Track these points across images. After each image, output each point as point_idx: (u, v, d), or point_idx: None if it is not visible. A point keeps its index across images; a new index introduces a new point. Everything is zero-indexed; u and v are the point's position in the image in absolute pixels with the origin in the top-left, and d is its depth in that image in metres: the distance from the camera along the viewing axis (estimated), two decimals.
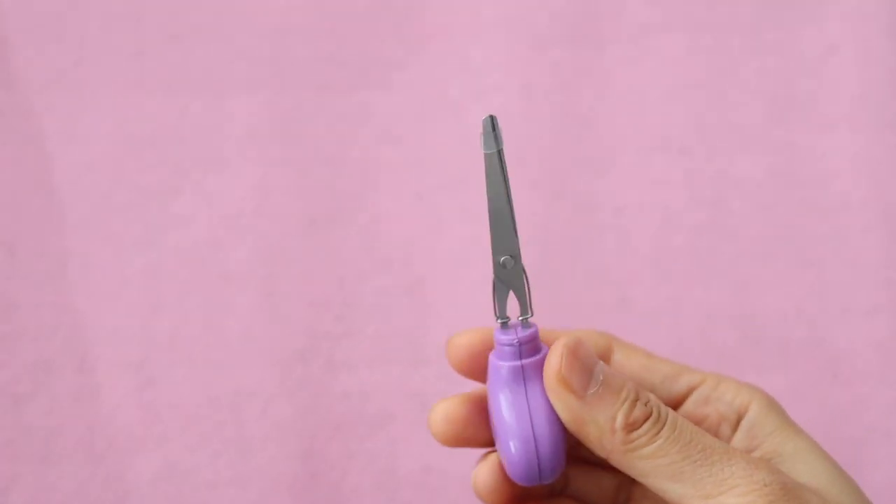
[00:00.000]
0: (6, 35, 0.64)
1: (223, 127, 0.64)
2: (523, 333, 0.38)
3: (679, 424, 0.35)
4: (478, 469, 0.40)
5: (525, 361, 0.37)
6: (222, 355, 0.62)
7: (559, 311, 0.62)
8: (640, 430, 0.35)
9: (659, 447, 0.34)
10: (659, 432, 0.35)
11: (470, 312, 0.62)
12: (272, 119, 0.64)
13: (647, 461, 0.35)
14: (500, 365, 0.38)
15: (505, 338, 0.38)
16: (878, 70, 0.64)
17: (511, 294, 0.38)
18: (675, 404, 0.40)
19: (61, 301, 0.62)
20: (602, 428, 0.35)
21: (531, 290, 0.39)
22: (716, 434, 0.38)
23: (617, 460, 0.36)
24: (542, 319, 0.46)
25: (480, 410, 0.40)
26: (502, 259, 0.38)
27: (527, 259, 0.63)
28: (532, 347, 0.38)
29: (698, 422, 0.39)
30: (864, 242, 0.63)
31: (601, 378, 0.35)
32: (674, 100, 0.65)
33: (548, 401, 0.37)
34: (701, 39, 0.65)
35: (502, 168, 0.37)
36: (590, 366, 0.36)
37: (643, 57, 0.65)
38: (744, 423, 0.38)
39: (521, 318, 0.38)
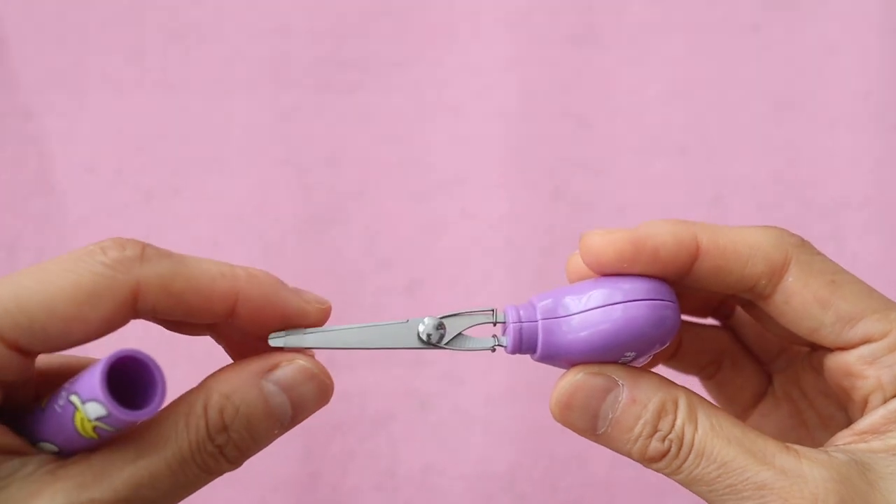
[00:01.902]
0: (6, 35, 0.64)
1: (223, 127, 0.64)
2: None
3: (707, 453, 0.32)
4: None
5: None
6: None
7: None
8: (660, 464, 0.33)
9: (681, 479, 0.33)
10: (680, 466, 0.32)
11: None
12: (272, 119, 0.64)
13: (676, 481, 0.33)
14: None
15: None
16: (878, 69, 0.64)
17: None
18: (842, 349, 0.34)
19: None
20: (622, 452, 0.33)
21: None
22: (863, 402, 0.34)
23: None
24: None
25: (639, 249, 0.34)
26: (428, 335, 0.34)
27: (527, 258, 0.63)
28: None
29: (854, 377, 0.34)
30: (864, 242, 0.63)
31: (610, 416, 0.33)
32: (674, 100, 0.65)
33: None
34: (701, 39, 0.65)
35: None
36: (593, 409, 0.33)
37: (643, 57, 0.65)
38: (893, 402, 0.33)
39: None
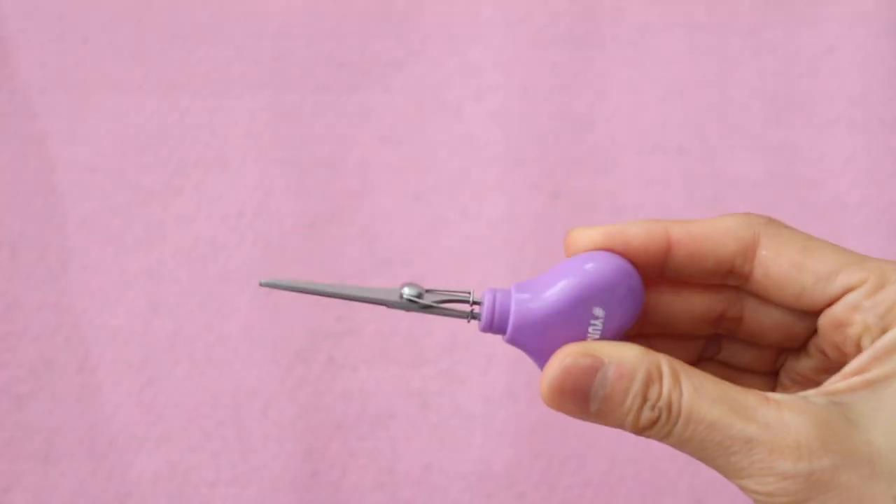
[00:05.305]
0: (8, 36, 0.64)
1: (223, 127, 0.64)
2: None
3: (695, 417, 0.33)
4: None
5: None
6: (223, 355, 0.62)
7: None
8: (652, 431, 0.34)
9: (673, 442, 0.34)
10: (671, 431, 0.34)
11: None
12: (272, 119, 0.64)
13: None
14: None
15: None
16: (875, 70, 0.64)
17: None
18: (829, 305, 0.36)
19: (62, 301, 0.62)
20: (614, 425, 0.35)
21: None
22: (856, 346, 0.35)
23: None
24: None
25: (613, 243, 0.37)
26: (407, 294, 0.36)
27: (527, 258, 0.63)
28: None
29: (843, 326, 0.35)
30: (863, 242, 0.63)
31: (601, 394, 0.34)
32: (673, 100, 0.65)
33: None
34: (701, 39, 0.65)
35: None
36: (583, 390, 0.34)
37: (643, 57, 0.65)
38: (881, 341, 0.34)
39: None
